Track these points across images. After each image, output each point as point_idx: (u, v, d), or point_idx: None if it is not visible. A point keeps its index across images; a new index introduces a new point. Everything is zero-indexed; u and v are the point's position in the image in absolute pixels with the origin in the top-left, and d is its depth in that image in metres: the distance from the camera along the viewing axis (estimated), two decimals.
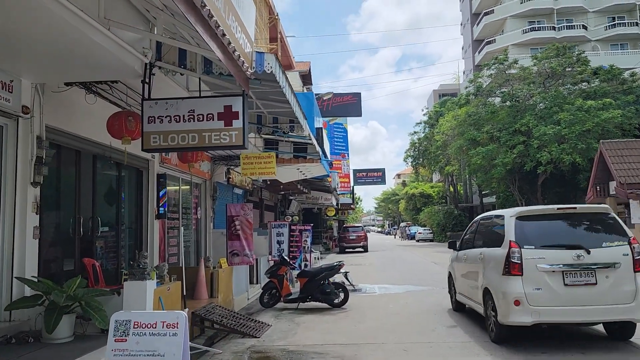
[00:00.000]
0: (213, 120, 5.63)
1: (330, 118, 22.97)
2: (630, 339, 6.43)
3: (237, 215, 9.62)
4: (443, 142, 37.39)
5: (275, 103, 8.41)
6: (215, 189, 13.47)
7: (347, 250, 33.03)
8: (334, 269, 9.57)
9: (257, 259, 12.03)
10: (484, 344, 6.49)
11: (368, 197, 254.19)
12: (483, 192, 47.78)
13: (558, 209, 6.90)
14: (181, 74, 5.95)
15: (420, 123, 51.27)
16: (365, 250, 32.73)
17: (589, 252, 6.12)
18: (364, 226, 43.06)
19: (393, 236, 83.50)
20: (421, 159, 50.35)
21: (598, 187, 19.47)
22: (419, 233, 51.17)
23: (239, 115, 5.62)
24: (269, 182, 17.45)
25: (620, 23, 49.82)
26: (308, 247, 13.52)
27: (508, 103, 32.90)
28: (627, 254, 6.17)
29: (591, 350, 6.06)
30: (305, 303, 9.76)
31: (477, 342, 6.60)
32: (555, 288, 6.04)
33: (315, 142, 11.32)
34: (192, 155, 8.75)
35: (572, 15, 51.79)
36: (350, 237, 32.89)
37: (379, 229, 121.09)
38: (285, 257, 9.94)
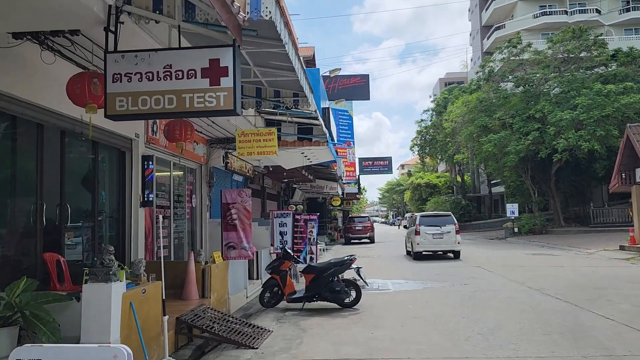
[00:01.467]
0: (195, 77, 4.38)
1: (337, 100, 21.63)
2: (460, 258, 17.75)
3: (234, 203, 8.39)
4: (452, 129, 35.99)
5: (276, 71, 7.16)
6: (211, 174, 12.25)
7: (353, 241, 31.86)
8: (345, 264, 8.34)
9: (257, 252, 10.82)
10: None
11: (372, 187, 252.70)
12: (492, 182, 46.44)
13: (435, 214, 20.03)
14: (156, 22, 4.69)
15: (428, 110, 49.85)
16: (372, 241, 31.54)
17: (441, 228, 17.54)
18: (370, 217, 41.79)
19: (397, 227, 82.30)
20: (428, 148, 48.96)
21: (624, 175, 18.16)
22: None
23: (228, 71, 4.37)
24: (271, 169, 16.22)
25: (635, 7, 48.09)
26: (314, 238, 12.29)
27: (521, 88, 31.50)
28: (453, 228, 17.60)
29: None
30: (312, 303, 8.55)
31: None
32: (430, 239, 17.53)
33: (321, 120, 10.06)
34: (180, 133, 7.50)
35: None
36: (357, 228, 31.68)
37: (383, 220, 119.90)
38: (289, 250, 8.70)
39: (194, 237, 11.89)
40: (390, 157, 46.95)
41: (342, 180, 28.05)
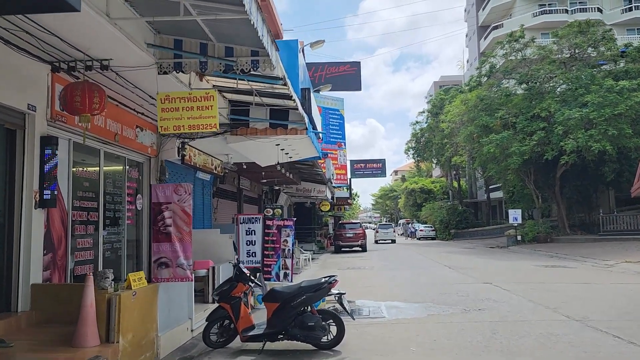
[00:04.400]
0: None
1: (322, 87, 19.25)
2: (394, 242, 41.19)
3: (167, 203, 6.05)
4: (450, 129, 33.76)
5: (219, 5, 4.83)
6: (163, 170, 9.84)
7: (343, 249, 29.47)
8: (321, 289, 5.98)
9: (214, 268, 8.44)
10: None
11: (365, 193, 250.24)
12: (490, 187, 44.27)
13: (385, 224, 52.07)
14: None
15: (423, 112, 47.67)
16: (364, 249, 29.16)
17: (387, 229, 44.49)
18: (362, 223, 39.41)
19: None
20: (424, 152, 46.71)
21: None
22: (421, 230, 47.56)
23: None
24: (245, 166, 13.84)
25: (637, 6, 46.33)
26: (289, 249, 9.87)
27: (524, 86, 29.35)
28: (392, 229, 45.35)
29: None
30: (276, 342, 6.15)
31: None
32: (380, 235, 43.15)
33: (296, 97, 7.73)
34: (83, 101, 5.13)
35: None
36: (347, 235, 29.29)
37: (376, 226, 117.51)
38: (243, 268, 6.25)
39: (139, 248, 9.45)
40: (384, 160, 44.55)
41: (331, 183, 25.70)
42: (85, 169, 7.55)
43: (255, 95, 8.77)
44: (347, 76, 21.25)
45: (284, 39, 11.54)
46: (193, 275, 6.75)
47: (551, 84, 28.29)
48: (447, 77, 70.25)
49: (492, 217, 47.17)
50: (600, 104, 24.09)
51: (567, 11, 46.70)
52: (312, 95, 10.25)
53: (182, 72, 6.00)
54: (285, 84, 6.49)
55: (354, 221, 36.39)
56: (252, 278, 6.02)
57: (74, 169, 7.15)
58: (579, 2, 47.94)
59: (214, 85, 8.59)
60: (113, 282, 5.19)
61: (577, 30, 28.15)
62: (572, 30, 28.24)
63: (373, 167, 43.89)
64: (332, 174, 26.89)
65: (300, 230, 32.16)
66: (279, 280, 9.72)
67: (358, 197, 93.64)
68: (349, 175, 36.33)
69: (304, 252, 18.90)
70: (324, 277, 6.19)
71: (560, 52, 28.59)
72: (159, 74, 6.02)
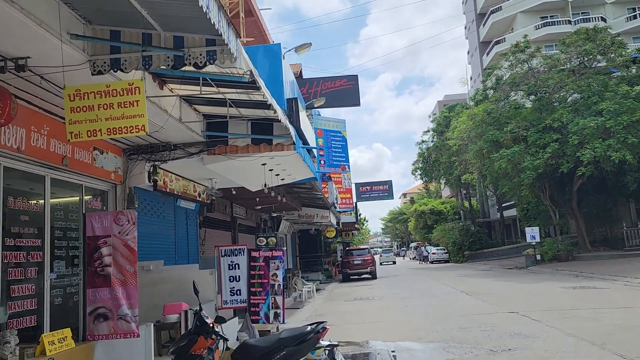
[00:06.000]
0: None
1: (315, 100, 17.98)
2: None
3: (106, 236, 4.70)
4: (458, 147, 32.39)
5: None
6: (132, 198, 8.56)
7: (352, 277, 27.84)
8: (306, 340, 4.56)
9: (186, 312, 7.04)
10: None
11: (374, 218, 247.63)
12: (503, 205, 42.58)
13: (386, 249, 76.38)
14: None
15: (428, 131, 46.40)
16: (374, 277, 27.50)
17: (388, 253, 59.57)
18: (371, 248, 37.71)
19: (402, 257, 77.77)
20: (432, 171, 45.26)
21: None
22: (433, 253, 45.70)
23: None
24: (234, 192, 12.52)
25: None
26: (280, 284, 8.40)
27: (533, 97, 28.07)
28: (392, 253, 61.16)
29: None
30: None
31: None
32: (383, 258, 56.51)
33: (274, 102, 6.45)
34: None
35: (588, 8, 47.39)
36: (355, 262, 27.67)
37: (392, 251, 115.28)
38: (205, 317, 4.80)
39: None
40: (391, 181, 42.95)
41: (335, 207, 24.28)
42: (24, 199, 6.27)
43: (231, 106, 7.53)
44: (344, 91, 20.02)
45: (266, 44, 10.33)
46: (149, 327, 5.36)
47: (561, 94, 26.99)
48: (451, 96, 69.23)
49: (506, 237, 45.34)
50: (617, 111, 22.74)
51: (570, 22, 45.71)
52: (299, 106, 8.97)
53: (122, 70, 4.73)
54: (254, 82, 5.20)
55: (362, 247, 34.77)
56: (216, 330, 4.62)
57: (9, 199, 5.89)
58: (582, 13, 47.03)
59: (181, 96, 7.37)
60: (17, 348, 3.82)
61: (585, 37, 27.01)
62: (579, 38, 27.09)
63: (379, 190, 42.38)
64: (336, 198, 25.51)
65: (306, 259, 30.66)
66: (268, 322, 8.26)
67: (367, 221, 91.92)
68: (354, 199, 34.90)
69: (307, 283, 17.37)
70: (310, 325, 4.77)
71: (569, 60, 27.36)
72: (92, 74, 4.76)
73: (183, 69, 4.83)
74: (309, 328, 4.69)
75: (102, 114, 4.08)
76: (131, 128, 4.06)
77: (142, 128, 4.05)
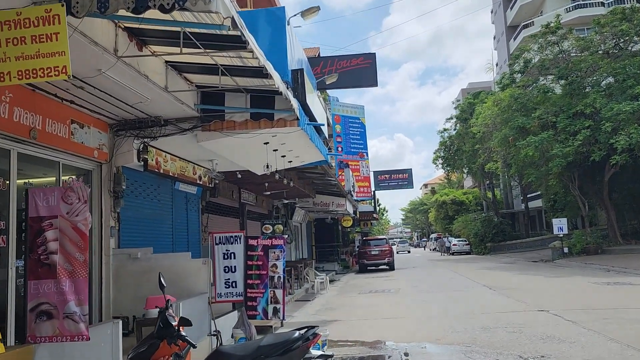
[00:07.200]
0: None
1: (328, 76, 16.87)
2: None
3: (52, 217, 3.85)
4: (482, 134, 31.00)
5: None
6: (118, 178, 7.75)
7: (369, 268, 26.90)
8: (292, 349, 3.65)
9: (177, 305, 6.19)
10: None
11: (394, 208, 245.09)
12: (528, 196, 41.00)
13: (402, 239, 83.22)
14: None
15: (451, 118, 44.90)
16: (391, 268, 26.51)
17: (405, 244, 66.88)
18: (390, 239, 36.60)
19: (422, 248, 76.38)
20: (454, 161, 43.81)
21: None
22: (454, 245, 44.41)
23: None
24: (239, 176, 11.64)
25: None
26: (280, 276, 7.49)
27: (563, 81, 26.52)
28: (408, 243, 71.64)
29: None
30: None
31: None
32: (399, 247, 57.92)
33: (270, 66, 5.51)
34: None
35: None
36: (372, 253, 26.70)
37: (405, 240, 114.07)
38: (170, 318, 3.90)
39: (91, 281, 7.33)
40: (410, 169, 41.52)
41: (351, 195, 23.29)
42: None
43: (224, 74, 6.62)
44: (361, 70, 18.84)
45: (269, 8, 9.35)
46: (116, 325, 4.52)
47: (594, 77, 25.39)
48: (475, 84, 67.15)
49: (531, 228, 43.77)
50: None
51: (603, 4, 43.47)
52: (305, 78, 8.00)
53: (74, 15, 3.84)
54: (243, 37, 4.23)
55: (379, 237, 33.71)
56: (182, 334, 3.74)
57: None
58: None
59: (166, 62, 6.48)
60: None
61: (621, 17, 25.32)
62: (615, 18, 25.41)
63: (399, 178, 41.08)
64: (353, 186, 24.52)
65: (322, 248, 29.79)
66: (266, 318, 7.40)
67: (386, 212, 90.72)
68: (372, 188, 33.76)
69: (319, 274, 16.50)
70: (299, 329, 3.86)
71: (603, 42, 25.71)
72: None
73: (146, 15, 3.90)
74: (297, 334, 3.77)
75: (12, 51, 3.17)
76: (49, 70, 3.15)
77: (64, 70, 3.15)
